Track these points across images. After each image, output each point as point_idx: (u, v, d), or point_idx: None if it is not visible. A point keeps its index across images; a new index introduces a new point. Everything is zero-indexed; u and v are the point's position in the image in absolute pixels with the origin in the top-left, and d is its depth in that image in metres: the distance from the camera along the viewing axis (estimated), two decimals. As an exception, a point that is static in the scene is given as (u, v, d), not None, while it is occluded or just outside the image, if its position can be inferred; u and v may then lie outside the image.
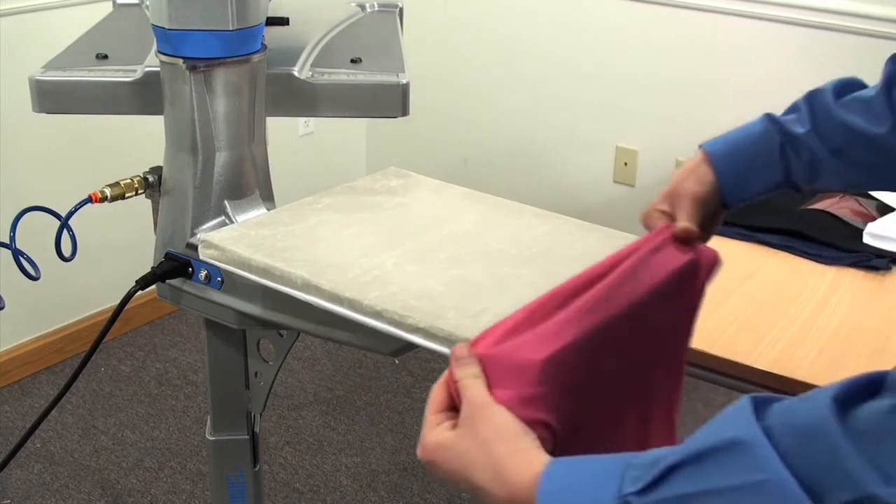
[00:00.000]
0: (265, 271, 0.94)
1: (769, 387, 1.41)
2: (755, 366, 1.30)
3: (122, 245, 2.65)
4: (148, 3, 1.15)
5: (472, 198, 1.12)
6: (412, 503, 2.16)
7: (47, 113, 1.18)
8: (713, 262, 0.87)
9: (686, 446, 0.61)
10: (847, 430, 0.55)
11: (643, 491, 0.60)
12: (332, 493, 2.18)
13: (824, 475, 0.55)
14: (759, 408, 0.60)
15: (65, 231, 1.15)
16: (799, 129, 1.01)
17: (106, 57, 1.23)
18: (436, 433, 0.75)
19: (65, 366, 2.64)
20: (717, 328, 1.38)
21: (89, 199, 1.14)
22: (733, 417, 0.60)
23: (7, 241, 1.13)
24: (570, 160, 2.99)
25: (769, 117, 1.02)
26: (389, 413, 2.48)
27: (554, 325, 0.74)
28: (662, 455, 0.61)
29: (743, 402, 0.60)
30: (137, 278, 1.10)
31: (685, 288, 0.85)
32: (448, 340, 0.84)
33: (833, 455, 0.55)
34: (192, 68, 1.05)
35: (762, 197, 0.97)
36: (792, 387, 1.38)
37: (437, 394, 0.77)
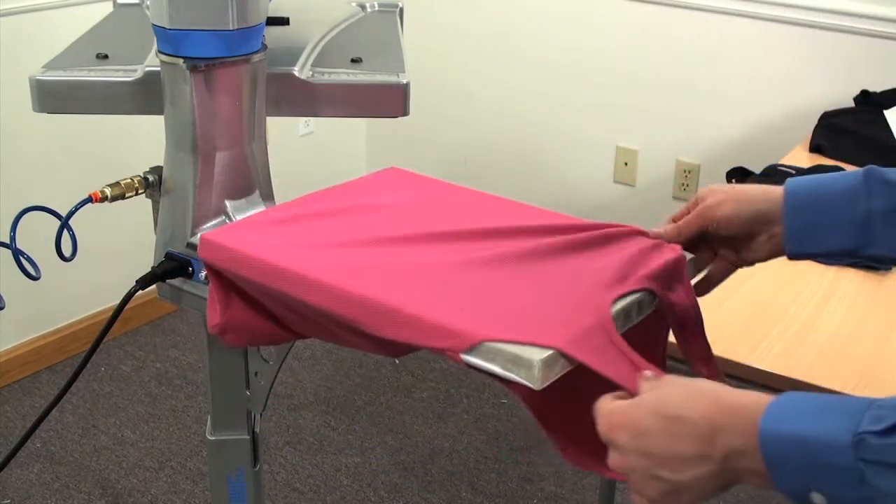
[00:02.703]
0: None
1: (769, 387, 1.41)
2: (755, 366, 1.30)
3: (122, 245, 2.65)
4: (148, 2, 1.15)
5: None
6: (412, 503, 2.16)
7: (47, 113, 1.18)
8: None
9: None
10: None
11: (884, 432, 0.58)
12: (333, 493, 2.18)
13: None
14: None
15: (65, 231, 1.14)
16: None
17: (106, 57, 1.23)
18: (622, 402, 0.73)
19: (65, 366, 2.64)
20: (717, 328, 1.37)
21: (89, 199, 1.14)
22: None
23: (7, 240, 1.13)
24: (570, 160, 2.99)
25: (869, 173, 0.85)
26: (389, 413, 2.48)
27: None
28: None
29: None
30: (137, 278, 1.10)
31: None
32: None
33: None
34: (193, 68, 1.05)
35: (829, 261, 0.89)
36: (792, 387, 1.38)
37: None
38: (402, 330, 0.83)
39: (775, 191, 0.88)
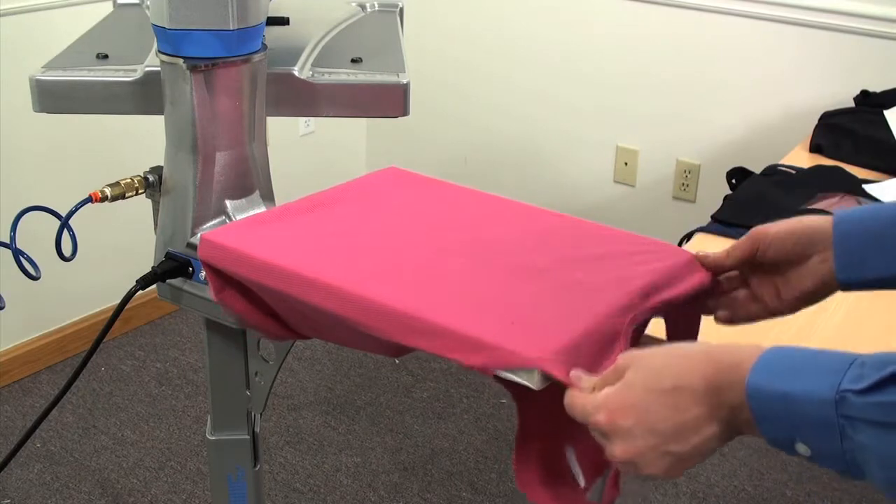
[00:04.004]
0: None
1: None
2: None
3: (122, 245, 2.65)
4: (148, 2, 1.15)
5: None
6: (412, 503, 2.16)
7: (47, 112, 1.18)
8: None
9: None
10: None
11: (864, 391, 0.59)
12: (332, 493, 2.18)
13: None
14: None
15: (65, 231, 1.14)
16: None
17: (106, 57, 1.23)
18: (611, 389, 0.72)
19: (65, 365, 2.64)
20: (718, 328, 1.37)
21: (89, 199, 1.14)
22: None
23: (7, 240, 1.13)
24: (571, 160, 2.99)
25: None
26: (389, 413, 2.48)
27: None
28: (893, 359, 0.60)
29: None
30: (138, 278, 1.10)
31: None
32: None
33: None
34: (193, 68, 1.05)
35: (879, 287, 0.85)
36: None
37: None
38: (422, 339, 0.82)
39: (826, 217, 0.87)
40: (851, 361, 0.62)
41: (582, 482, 0.80)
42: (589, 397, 0.73)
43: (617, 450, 0.71)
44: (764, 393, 0.64)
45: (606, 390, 0.72)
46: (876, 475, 0.60)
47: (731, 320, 0.94)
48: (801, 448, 0.63)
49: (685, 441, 0.69)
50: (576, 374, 0.75)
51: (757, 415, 0.65)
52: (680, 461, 0.69)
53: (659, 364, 0.71)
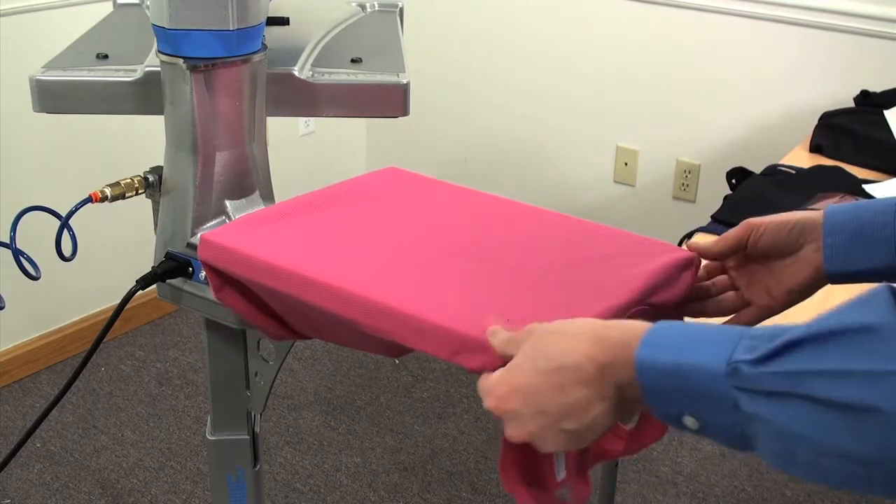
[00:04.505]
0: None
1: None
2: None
3: (122, 245, 2.65)
4: (148, 2, 1.15)
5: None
6: (412, 503, 2.16)
7: (47, 113, 1.18)
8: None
9: (811, 325, 0.59)
10: None
11: (757, 361, 0.59)
12: (333, 493, 2.18)
13: None
14: None
15: (65, 231, 1.14)
16: None
17: (106, 57, 1.23)
18: (500, 371, 0.73)
19: (65, 365, 2.64)
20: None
21: (89, 199, 1.14)
22: (868, 304, 0.58)
23: (7, 240, 1.13)
24: (570, 160, 2.99)
25: None
26: (389, 413, 2.48)
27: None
28: (783, 330, 0.60)
29: (881, 290, 0.58)
30: (138, 278, 1.10)
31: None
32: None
33: None
34: (193, 68, 1.05)
35: (869, 279, 0.84)
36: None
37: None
38: (421, 338, 0.82)
39: (817, 211, 0.87)
40: (742, 333, 0.62)
41: (562, 476, 0.80)
42: (484, 380, 0.74)
43: (510, 431, 0.72)
44: (653, 367, 0.64)
45: (497, 373, 0.73)
46: (766, 446, 0.59)
47: None
48: (689, 421, 0.63)
49: (576, 419, 0.68)
50: (491, 329, 0.76)
51: (646, 389, 0.64)
52: (578, 436, 0.70)
53: (546, 343, 0.71)
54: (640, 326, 0.67)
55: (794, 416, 0.57)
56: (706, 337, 0.63)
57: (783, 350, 0.59)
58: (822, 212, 0.86)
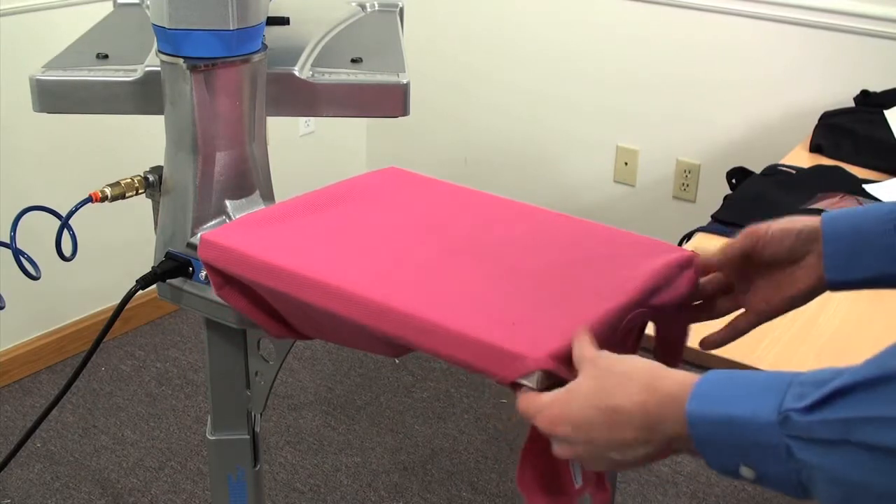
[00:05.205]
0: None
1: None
2: (755, 366, 1.30)
3: (122, 245, 2.65)
4: (148, 2, 1.15)
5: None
6: (412, 503, 2.16)
7: (47, 112, 1.18)
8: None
9: (860, 369, 0.59)
10: None
11: (808, 409, 0.59)
12: (333, 493, 2.18)
13: None
14: None
15: (65, 231, 1.14)
16: None
17: (106, 57, 1.23)
18: (555, 394, 0.74)
19: (65, 365, 2.64)
20: (718, 328, 1.37)
21: (89, 199, 1.14)
22: None
23: (7, 240, 1.13)
24: (570, 160, 2.99)
25: None
26: (389, 413, 2.48)
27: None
28: (833, 374, 0.59)
29: None
30: (138, 278, 1.10)
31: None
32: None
33: None
34: (193, 68, 1.05)
35: (868, 286, 0.85)
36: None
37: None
38: (421, 338, 0.82)
39: (816, 218, 0.87)
40: (790, 380, 0.61)
41: (579, 483, 0.80)
42: (534, 399, 0.74)
43: (558, 450, 0.73)
44: (704, 420, 0.64)
45: (552, 394, 0.73)
46: (823, 493, 0.59)
47: (718, 341, 0.95)
48: (746, 472, 0.63)
49: (623, 454, 0.69)
50: (582, 339, 0.77)
51: (699, 442, 0.64)
52: (623, 464, 0.71)
53: (605, 382, 0.71)
54: (688, 379, 0.67)
55: (850, 464, 0.57)
56: (754, 385, 0.63)
57: (834, 397, 0.58)
58: (819, 218, 0.86)
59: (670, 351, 0.96)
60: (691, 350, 0.98)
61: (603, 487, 0.82)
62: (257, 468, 1.30)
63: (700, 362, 1.37)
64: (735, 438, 0.62)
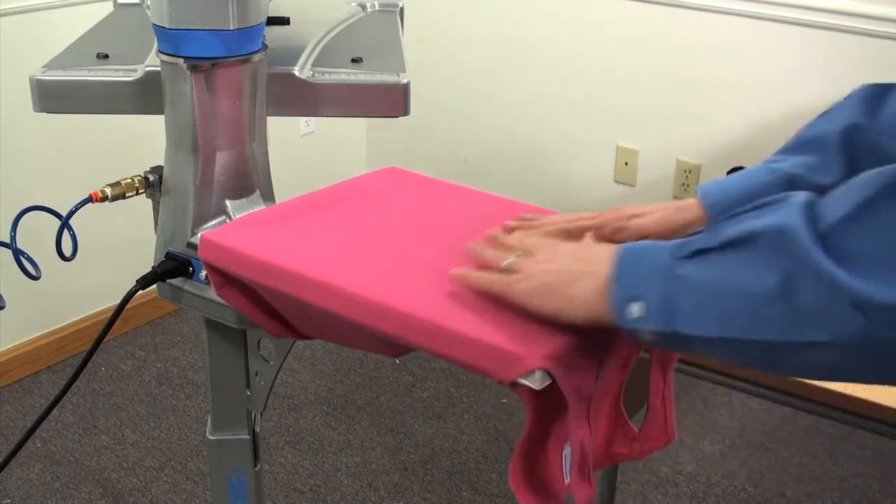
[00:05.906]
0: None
1: (769, 387, 1.41)
2: (755, 366, 1.30)
3: (122, 245, 2.66)
4: (149, 2, 1.15)
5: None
6: (412, 503, 2.16)
7: (47, 112, 1.18)
8: None
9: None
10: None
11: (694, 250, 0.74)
12: (333, 493, 2.18)
13: None
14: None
15: (65, 231, 1.14)
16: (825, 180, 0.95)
17: (106, 56, 1.23)
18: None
19: (65, 365, 2.64)
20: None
21: (90, 199, 1.14)
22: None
23: (7, 240, 1.13)
24: (571, 160, 2.99)
25: (770, 168, 0.99)
26: (389, 413, 2.48)
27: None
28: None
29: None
30: (138, 278, 1.10)
31: None
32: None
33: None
34: (193, 68, 1.05)
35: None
36: (791, 387, 1.38)
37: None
38: (421, 338, 0.82)
39: (689, 200, 0.96)
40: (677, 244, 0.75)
41: (569, 479, 0.80)
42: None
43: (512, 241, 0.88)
44: (627, 251, 0.75)
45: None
46: (685, 306, 0.68)
47: None
48: (636, 308, 0.71)
49: (579, 259, 0.78)
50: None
51: (617, 270, 0.73)
52: (559, 290, 0.77)
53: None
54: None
55: (708, 270, 0.70)
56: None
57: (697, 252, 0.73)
58: (697, 203, 0.96)
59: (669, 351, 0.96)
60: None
61: (588, 484, 0.82)
62: (257, 468, 1.30)
63: (696, 360, 1.37)
64: (640, 265, 0.73)
